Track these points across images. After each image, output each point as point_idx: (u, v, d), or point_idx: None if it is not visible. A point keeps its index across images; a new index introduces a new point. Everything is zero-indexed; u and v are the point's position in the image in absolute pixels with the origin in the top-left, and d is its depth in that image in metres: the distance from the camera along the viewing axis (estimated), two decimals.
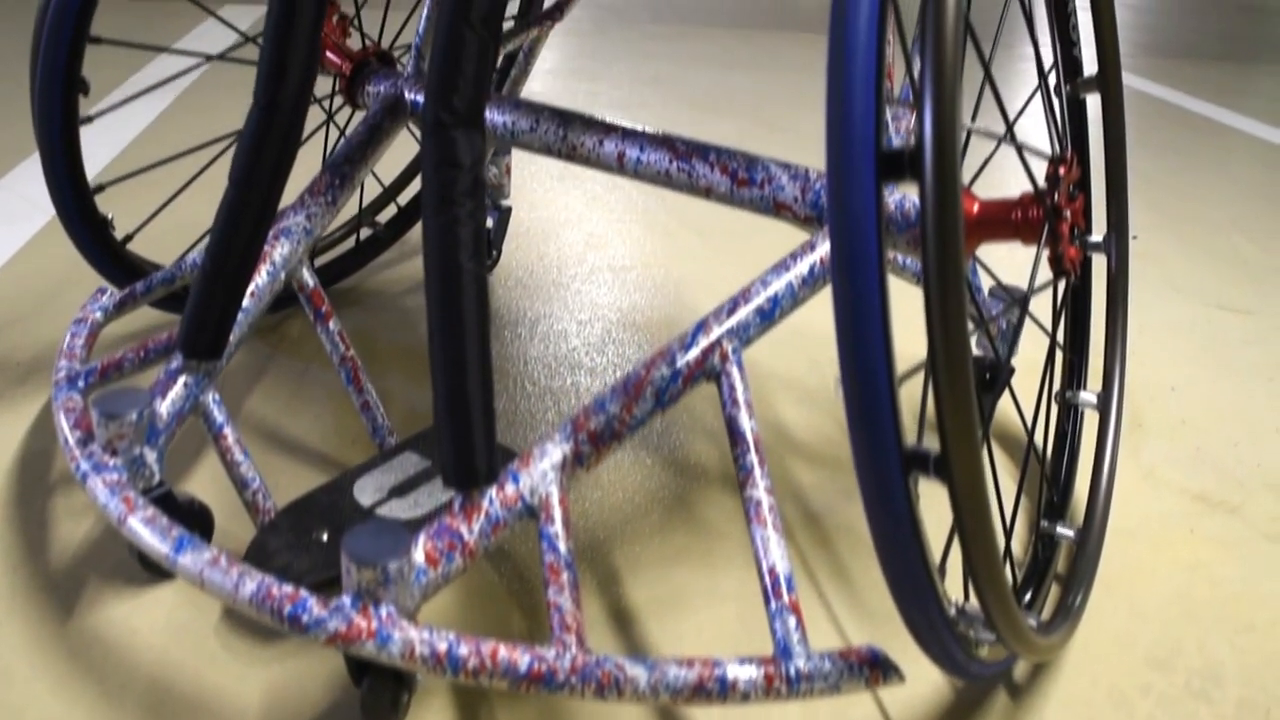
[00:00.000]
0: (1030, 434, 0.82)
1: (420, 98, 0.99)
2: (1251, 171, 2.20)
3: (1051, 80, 0.91)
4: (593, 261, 1.43)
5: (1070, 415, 0.98)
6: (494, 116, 0.95)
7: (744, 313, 0.73)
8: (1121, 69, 0.94)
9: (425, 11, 1.03)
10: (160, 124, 1.91)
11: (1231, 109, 2.81)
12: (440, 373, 0.64)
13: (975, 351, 1.11)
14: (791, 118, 2.09)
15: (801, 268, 0.76)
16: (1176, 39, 4.05)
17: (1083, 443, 0.99)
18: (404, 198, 1.37)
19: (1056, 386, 1.00)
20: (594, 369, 1.15)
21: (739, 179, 0.83)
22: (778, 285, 0.75)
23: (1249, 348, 1.35)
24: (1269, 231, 1.81)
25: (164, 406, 0.77)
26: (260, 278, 0.86)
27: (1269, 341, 1.38)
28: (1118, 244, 0.98)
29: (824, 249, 0.77)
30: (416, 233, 1.42)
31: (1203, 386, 1.24)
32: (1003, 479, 1.03)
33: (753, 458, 0.69)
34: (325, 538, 0.75)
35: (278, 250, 0.87)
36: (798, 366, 1.18)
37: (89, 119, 0.90)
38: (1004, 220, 0.74)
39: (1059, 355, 0.98)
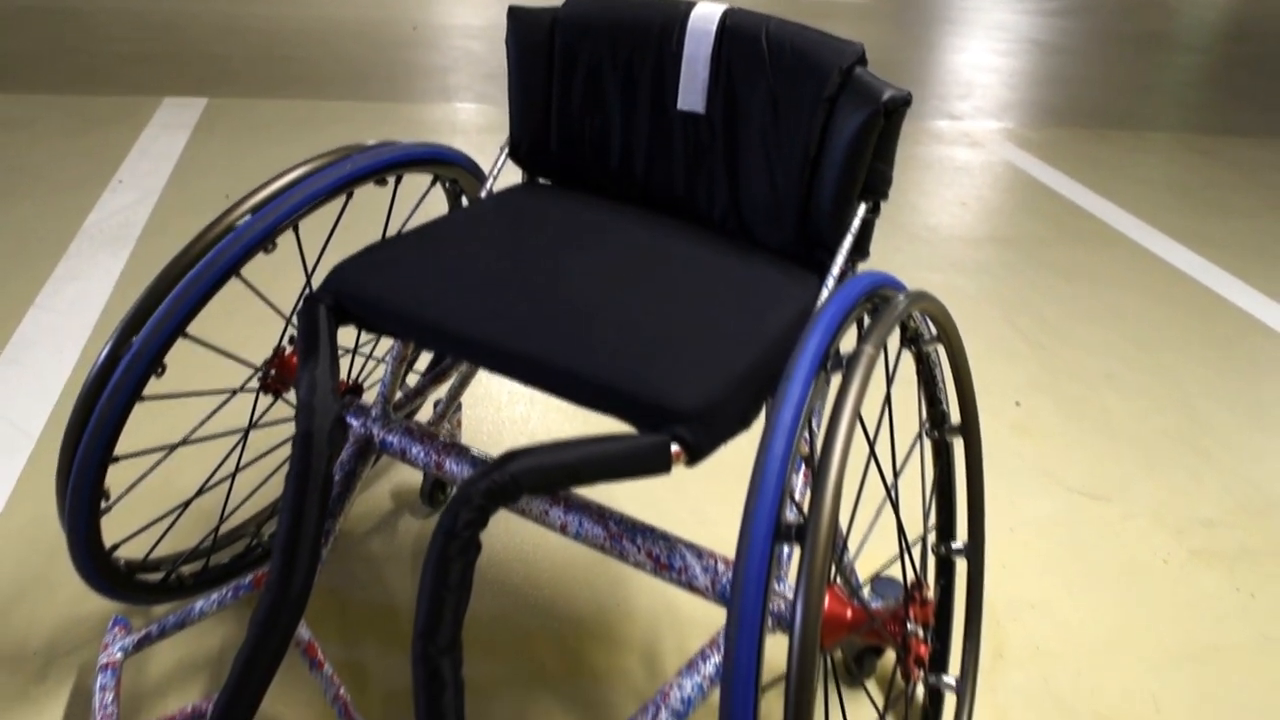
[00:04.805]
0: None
1: (388, 436, 1.15)
2: (1129, 297, 2.43)
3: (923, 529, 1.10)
4: None
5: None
6: (452, 467, 1.12)
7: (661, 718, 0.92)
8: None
9: (389, 368, 1.18)
10: None
11: (1120, 205, 3.04)
12: None
13: None
14: None
15: (708, 668, 0.95)
16: (1085, 94, 4.27)
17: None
18: None
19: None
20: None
21: (660, 563, 1.01)
22: (689, 686, 0.94)
23: (1100, 546, 1.58)
24: (1138, 387, 2.04)
25: None
26: None
27: (1119, 536, 1.61)
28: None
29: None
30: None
31: (1058, 604, 1.46)
32: None
33: None
34: None
35: None
36: None
37: (108, 508, 1.05)
38: (865, 626, 0.94)
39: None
